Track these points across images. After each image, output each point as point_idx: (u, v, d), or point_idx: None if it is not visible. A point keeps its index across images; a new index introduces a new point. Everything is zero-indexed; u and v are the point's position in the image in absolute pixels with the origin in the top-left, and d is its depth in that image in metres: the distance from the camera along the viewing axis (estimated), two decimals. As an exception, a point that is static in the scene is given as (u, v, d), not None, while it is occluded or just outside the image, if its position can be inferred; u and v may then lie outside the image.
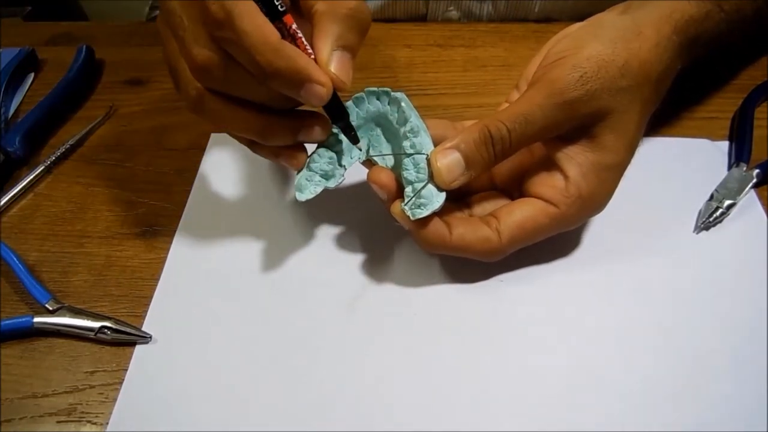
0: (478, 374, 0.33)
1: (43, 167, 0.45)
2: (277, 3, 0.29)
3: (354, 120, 0.34)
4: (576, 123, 0.32)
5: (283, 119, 0.32)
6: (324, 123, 0.33)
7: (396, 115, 0.33)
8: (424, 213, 0.32)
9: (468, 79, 0.50)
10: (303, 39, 0.30)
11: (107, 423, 0.32)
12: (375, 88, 0.34)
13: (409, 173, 0.32)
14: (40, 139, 0.47)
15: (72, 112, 0.50)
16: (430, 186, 0.32)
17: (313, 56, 0.30)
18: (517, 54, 0.52)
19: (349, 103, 0.34)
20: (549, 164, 0.34)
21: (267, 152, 0.33)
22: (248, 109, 0.31)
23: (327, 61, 0.29)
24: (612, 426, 0.31)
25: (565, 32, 0.35)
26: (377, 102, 0.34)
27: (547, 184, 0.33)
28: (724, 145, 0.43)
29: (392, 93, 0.33)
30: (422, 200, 0.32)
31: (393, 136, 0.34)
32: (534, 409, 0.31)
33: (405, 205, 0.32)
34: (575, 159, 0.33)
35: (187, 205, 0.42)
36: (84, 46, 0.53)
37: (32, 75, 0.53)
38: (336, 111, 0.32)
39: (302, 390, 0.33)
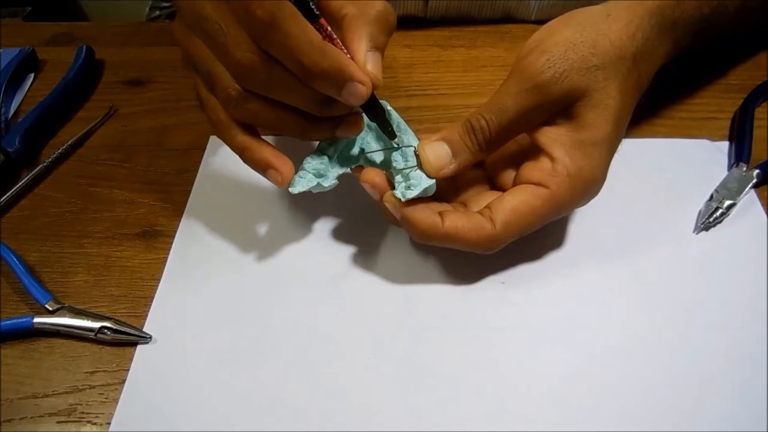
0: (478, 374, 0.33)
1: (43, 167, 0.45)
2: (313, 6, 0.30)
3: None
4: (553, 107, 0.33)
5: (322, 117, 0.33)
6: (360, 118, 0.34)
7: None
8: (415, 192, 0.32)
9: (468, 80, 0.50)
10: (338, 41, 0.31)
11: (107, 423, 0.32)
12: None
13: (398, 163, 0.34)
14: (40, 139, 0.47)
15: (72, 112, 0.50)
16: (419, 171, 0.33)
17: (349, 57, 0.31)
18: (517, 54, 0.52)
19: None
20: (536, 151, 0.34)
21: (256, 164, 0.34)
22: (287, 110, 0.32)
23: (364, 61, 0.31)
24: (612, 426, 0.31)
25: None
26: None
27: (536, 168, 0.34)
28: (724, 145, 0.43)
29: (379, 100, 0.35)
30: (412, 182, 0.33)
31: (383, 139, 0.36)
32: (534, 408, 0.31)
33: (396, 190, 0.33)
34: (559, 140, 0.33)
35: (187, 205, 0.42)
36: (84, 46, 0.53)
37: (32, 75, 0.53)
38: (374, 108, 0.33)
39: (303, 389, 0.33)
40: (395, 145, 0.34)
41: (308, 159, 0.35)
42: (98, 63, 0.54)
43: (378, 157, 0.36)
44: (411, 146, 0.34)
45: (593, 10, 0.35)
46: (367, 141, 0.36)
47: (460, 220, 0.33)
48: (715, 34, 0.42)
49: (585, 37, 0.33)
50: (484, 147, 0.34)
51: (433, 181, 0.33)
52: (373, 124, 0.35)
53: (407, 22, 0.55)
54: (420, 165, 0.33)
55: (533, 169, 0.34)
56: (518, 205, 0.33)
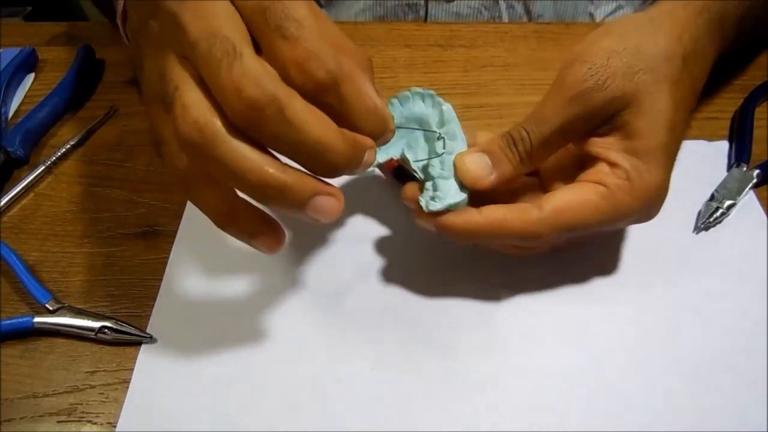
0: (482, 380, 0.33)
1: (43, 167, 0.45)
2: None
3: (396, 118, 0.33)
4: (597, 116, 0.32)
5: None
6: (337, 198, 0.28)
7: (437, 118, 0.34)
8: (439, 206, 0.31)
9: (468, 79, 0.50)
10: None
11: (108, 423, 0.32)
12: (421, 90, 0.34)
13: (434, 169, 0.32)
14: (40, 139, 0.47)
15: (72, 112, 0.50)
16: (452, 182, 0.32)
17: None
18: (518, 54, 0.52)
19: (393, 100, 0.34)
20: (591, 161, 0.33)
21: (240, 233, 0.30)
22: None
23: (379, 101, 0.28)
24: (612, 426, 0.31)
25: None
26: (421, 104, 0.34)
27: (592, 172, 0.32)
28: (724, 145, 0.43)
29: (436, 97, 0.34)
30: (438, 193, 0.32)
31: (431, 139, 0.34)
32: (542, 413, 0.31)
33: (421, 197, 0.32)
34: (614, 147, 0.32)
35: (188, 205, 0.42)
36: (84, 46, 0.53)
37: (32, 75, 0.53)
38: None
39: (307, 389, 0.33)
40: (437, 153, 0.33)
41: None
42: (98, 63, 0.54)
43: (418, 159, 0.34)
44: (451, 155, 0.32)
45: (634, 17, 0.34)
46: (415, 136, 0.34)
47: (501, 209, 0.31)
48: (759, 30, 0.41)
49: (628, 43, 0.32)
50: (526, 159, 0.32)
51: (464, 197, 0.31)
52: (422, 121, 0.34)
53: (407, 22, 0.55)
54: (455, 174, 0.32)
55: (589, 174, 0.32)
56: (572, 198, 0.31)
